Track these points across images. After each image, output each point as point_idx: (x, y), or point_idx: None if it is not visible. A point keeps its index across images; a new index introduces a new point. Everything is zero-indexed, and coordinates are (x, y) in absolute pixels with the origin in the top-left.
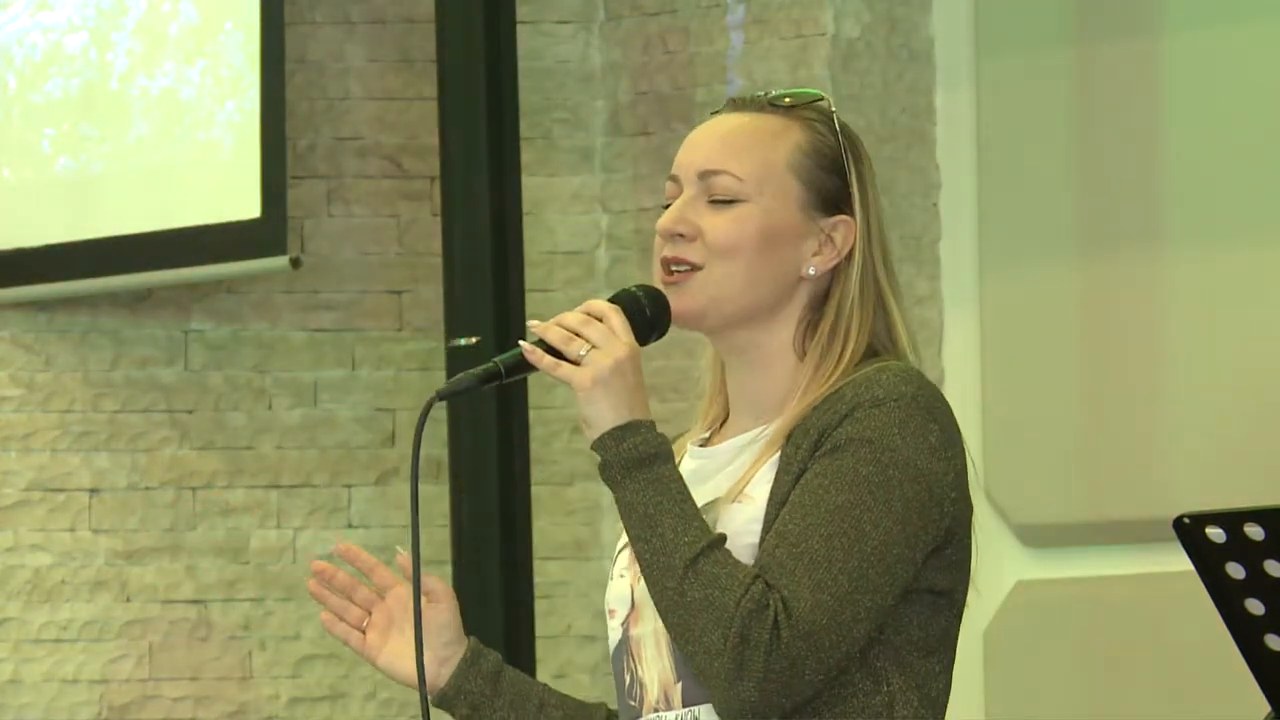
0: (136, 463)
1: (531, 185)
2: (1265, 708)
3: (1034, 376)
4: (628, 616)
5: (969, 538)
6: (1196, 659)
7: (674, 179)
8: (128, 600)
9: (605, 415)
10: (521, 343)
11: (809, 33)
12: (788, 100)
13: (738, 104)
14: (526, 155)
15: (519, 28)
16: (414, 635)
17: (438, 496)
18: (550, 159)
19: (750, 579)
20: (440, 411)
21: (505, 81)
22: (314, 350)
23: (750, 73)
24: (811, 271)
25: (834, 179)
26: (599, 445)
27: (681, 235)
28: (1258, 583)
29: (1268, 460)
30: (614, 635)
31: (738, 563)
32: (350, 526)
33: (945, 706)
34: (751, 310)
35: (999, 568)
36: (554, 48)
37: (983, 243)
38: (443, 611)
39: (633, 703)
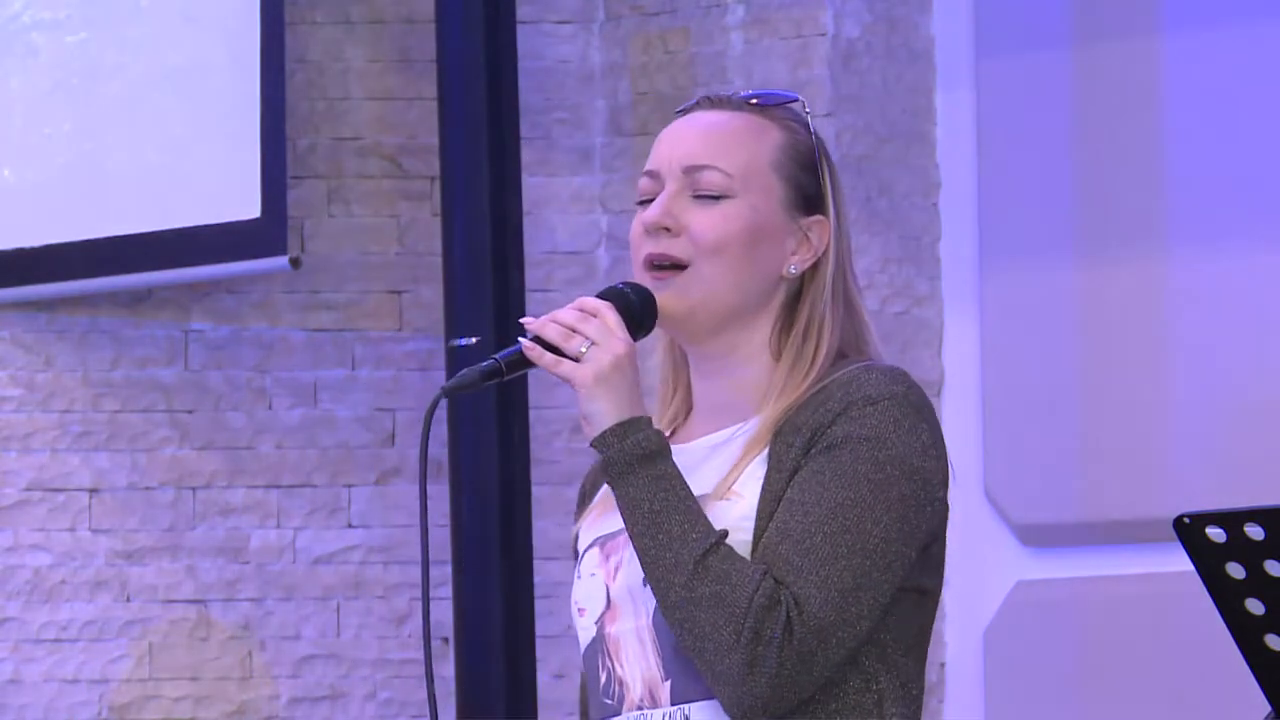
0: (136, 463)
1: (531, 185)
2: (1265, 708)
3: (1034, 376)
4: (602, 615)
5: (945, 538)
6: (1196, 659)
7: (652, 175)
8: (128, 600)
9: (607, 412)
10: (521, 340)
11: (809, 33)
12: (763, 100)
13: (714, 102)
14: (526, 155)
15: (519, 28)
16: (424, 649)
17: (438, 496)
18: (550, 159)
19: (760, 575)
20: (440, 411)
21: (505, 81)
22: (314, 350)
23: (750, 73)
24: (792, 270)
25: (811, 179)
26: (601, 442)
27: (667, 230)
28: (1258, 583)
29: (1268, 460)
30: (586, 633)
31: (744, 559)
32: (350, 526)
33: (922, 706)
34: (737, 310)
35: (999, 568)
36: (554, 48)
37: (983, 243)
38: None
39: (609, 701)
